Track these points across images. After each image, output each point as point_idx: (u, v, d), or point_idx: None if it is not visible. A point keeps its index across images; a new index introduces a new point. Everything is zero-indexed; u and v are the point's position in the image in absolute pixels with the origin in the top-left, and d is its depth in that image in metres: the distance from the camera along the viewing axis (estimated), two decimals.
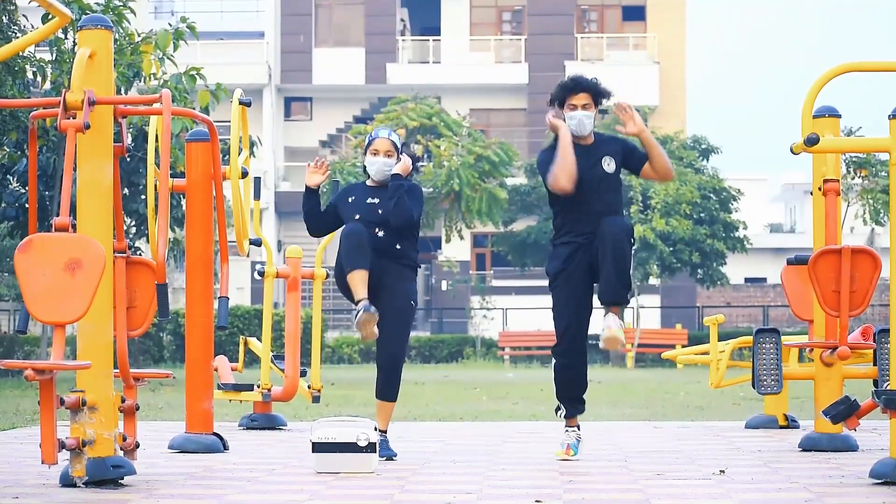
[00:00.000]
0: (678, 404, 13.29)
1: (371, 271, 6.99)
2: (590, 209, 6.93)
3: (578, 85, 7.01)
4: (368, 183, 7.25)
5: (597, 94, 7.02)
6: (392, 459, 7.01)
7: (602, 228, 6.86)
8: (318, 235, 7.42)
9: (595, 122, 7.07)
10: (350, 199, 7.19)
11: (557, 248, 7.05)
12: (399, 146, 7.21)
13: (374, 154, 7.17)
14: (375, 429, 6.47)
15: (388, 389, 7.13)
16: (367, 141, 7.28)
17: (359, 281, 6.93)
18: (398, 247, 7.09)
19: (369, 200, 7.13)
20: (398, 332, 7.07)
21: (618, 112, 7.07)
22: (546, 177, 6.94)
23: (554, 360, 7.19)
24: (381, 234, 7.07)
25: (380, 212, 7.08)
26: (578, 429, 7.14)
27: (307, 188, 7.20)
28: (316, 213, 7.26)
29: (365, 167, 7.25)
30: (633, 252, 7.01)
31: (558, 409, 7.15)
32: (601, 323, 6.97)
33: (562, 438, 7.12)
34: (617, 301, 6.91)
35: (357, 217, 7.08)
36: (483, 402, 14.38)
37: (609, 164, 7.00)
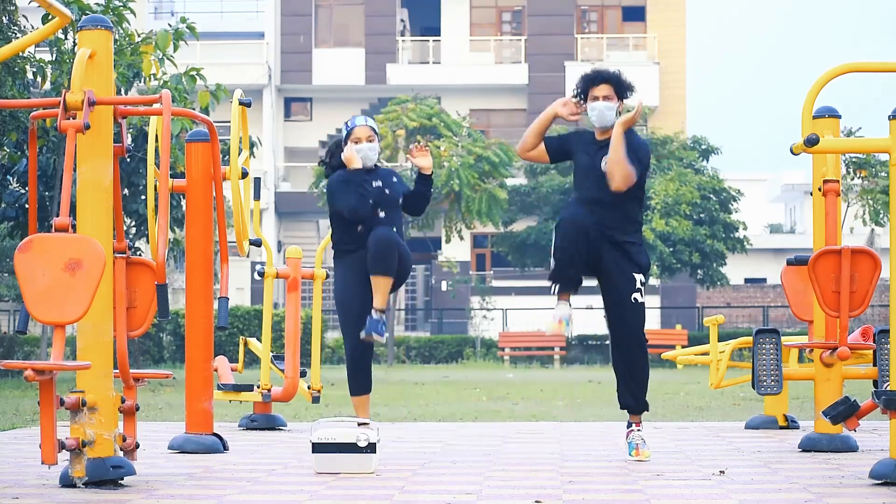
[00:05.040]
0: (678, 404, 13.29)
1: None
2: (592, 203, 6.93)
3: (599, 76, 7.02)
4: (351, 168, 7.25)
5: (619, 85, 7.01)
6: (372, 335, 7.00)
7: (618, 347, 7.13)
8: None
9: (618, 115, 7.02)
10: (351, 181, 7.19)
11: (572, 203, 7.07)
12: (377, 130, 7.29)
13: (357, 142, 7.21)
14: (371, 310, 6.85)
15: (380, 264, 7.03)
16: (345, 131, 7.29)
17: (361, 406, 7.22)
18: (394, 228, 7.21)
19: (375, 184, 7.23)
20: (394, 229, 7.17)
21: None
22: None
23: (556, 232, 6.91)
24: (382, 214, 7.20)
25: (387, 192, 7.22)
26: (569, 304, 7.01)
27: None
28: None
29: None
30: (647, 364, 7.26)
31: (553, 286, 6.99)
32: (630, 439, 7.15)
33: (554, 310, 7.00)
34: (639, 409, 7.21)
35: (370, 200, 7.16)
36: (483, 402, 14.38)
37: (605, 165, 6.96)
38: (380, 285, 7.09)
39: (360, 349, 7.17)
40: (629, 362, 7.12)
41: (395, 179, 7.34)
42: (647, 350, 7.20)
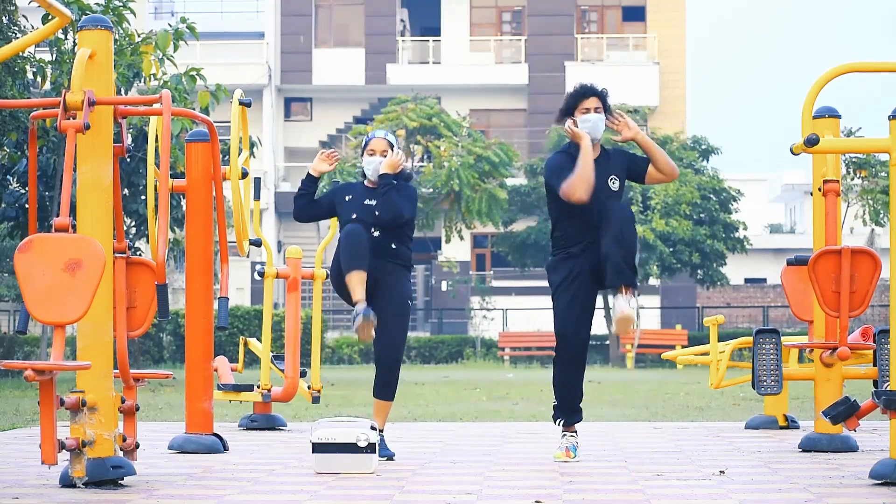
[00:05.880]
0: (678, 404, 13.28)
1: (368, 272, 7.04)
2: (591, 224, 6.89)
3: (590, 90, 7.04)
4: (366, 183, 7.28)
5: (605, 100, 7.05)
6: (391, 459, 7.02)
7: (607, 214, 6.80)
8: (302, 220, 7.38)
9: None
10: (347, 198, 7.23)
11: (559, 262, 7.00)
12: (395, 145, 7.25)
13: (371, 154, 7.21)
14: (373, 428, 6.52)
15: (386, 390, 7.17)
16: (363, 142, 7.31)
17: (356, 282, 6.99)
18: (393, 246, 7.13)
19: (367, 202, 7.17)
20: (397, 334, 7.12)
21: (611, 123, 7.06)
22: (557, 182, 6.83)
23: (553, 368, 7.15)
24: (377, 234, 7.11)
25: (377, 213, 7.12)
26: (576, 435, 7.12)
27: (309, 175, 7.23)
28: (310, 198, 7.30)
29: (363, 169, 7.28)
30: (636, 237, 6.94)
31: (556, 417, 7.13)
32: (613, 303, 6.83)
33: (560, 442, 7.12)
34: (626, 282, 6.79)
35: (354, 217, 7.12)
36: (483, 402, 14.37)
37: (614, 183, 6.98)
38: (381, 410, 7.19)
39: (357, 228, 6.96)
40: (619, 228, 6.75)
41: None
42: (636, 228, 6.92)
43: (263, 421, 9.39)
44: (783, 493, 5.60)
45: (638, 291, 6.93)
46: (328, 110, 43.84)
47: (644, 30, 43.67)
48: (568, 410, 7.09)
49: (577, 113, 7.00)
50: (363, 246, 6.98)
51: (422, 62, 44.11)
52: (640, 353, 30.46)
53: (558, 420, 7.12)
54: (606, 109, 7.04)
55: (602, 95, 7.04)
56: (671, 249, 31.54)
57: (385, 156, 7.18)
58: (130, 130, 18.48)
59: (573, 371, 7.03)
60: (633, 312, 6.79)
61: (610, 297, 7.00)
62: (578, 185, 6.78)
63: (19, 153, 18.35)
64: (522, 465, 6.77)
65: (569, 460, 6.95)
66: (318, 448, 6.39)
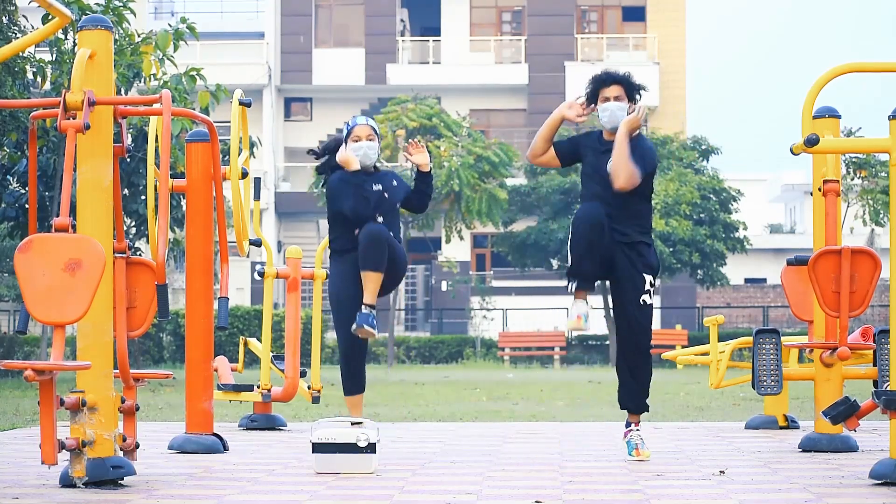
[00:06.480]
0: (678, 404, 13.29)
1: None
2: (602, 201, 6.88)
3: (610, 77, 7.00)
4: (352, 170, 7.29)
5: (629, 86, 6.99)
6: (372, 326, 7.06)
7: (622, 340, 7.01)
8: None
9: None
10: (351, 182, 7.23)
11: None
12: (378, 130, 7.30)
13: (356, 140, 7.24)
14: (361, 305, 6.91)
15: (368, 260, 7.09)
16: (346, 131, 7.32)
17: (373, 282, 7.10)
18: (391, 233, 7.24)
19: (375, 187, 7.25)
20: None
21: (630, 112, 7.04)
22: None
23: (572, 227, 6.87)
24: (380, 219, 7.23)
25: (386, 196, 7.25)
26: (587, 302, 6.99)
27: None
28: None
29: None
30: (650, 353, 7.11)
31: (569, 283, 6.95)
32: (628, 439, 7.11)
33: (571, 310, 7.00)
34: (639, 410, 7.16)
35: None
36: (483, 402, 14.37)
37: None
38: (369, 281, 7.13)
39: (354, 347, 7.19)
40: (633, 364, 7.08)
41: (394, 183, 7.35)
42: (651, 352, 7.14)
43: (263, 421, 9.39)
44: (783, 493, 5.60)
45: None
46: (328, 110, 43.84)
47: (644, 30, 43.68)
48: (577, 273, 6.87)
49: (600, 99, 6.99)
50: (385, 248, 7.09)
51: (422, 62, 44.12)
52: None
53: (570, 285, 6.94)
54: (633, 93, 6.99)
55: (624, 82, 6.98)
56: (671, 249, 31.54)
57: (371, 140, 7.26)
58: (130, 130, 18.48)
59: (585, 244, 6.78)
60: (648, 453, 7.09)
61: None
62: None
63: (19, 153, 18.35)
64: (522, 465, 6.76)
65: (581, 327, 6.95)
66: (318, 448, 6.39)
